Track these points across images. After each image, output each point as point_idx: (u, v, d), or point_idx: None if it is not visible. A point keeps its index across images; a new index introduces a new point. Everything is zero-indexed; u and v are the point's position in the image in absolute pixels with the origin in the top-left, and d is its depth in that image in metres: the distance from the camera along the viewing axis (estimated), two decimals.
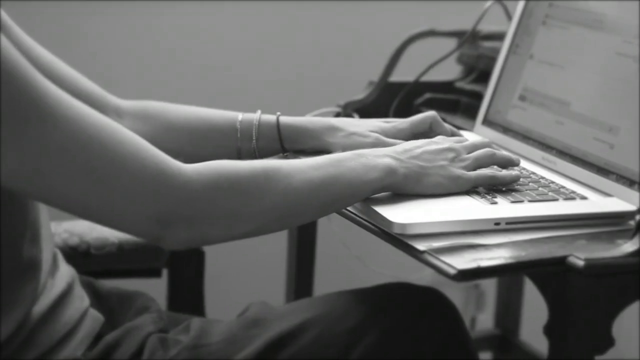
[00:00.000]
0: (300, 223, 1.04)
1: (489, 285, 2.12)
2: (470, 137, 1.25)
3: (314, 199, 0.98)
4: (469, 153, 1.09)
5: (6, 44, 0.82)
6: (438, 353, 1.05)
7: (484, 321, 2.14)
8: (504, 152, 1.14)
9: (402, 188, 1.04)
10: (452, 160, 1.07)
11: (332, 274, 1.80)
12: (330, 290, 1.17)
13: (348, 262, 1.70)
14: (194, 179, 0.90)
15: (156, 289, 1.32)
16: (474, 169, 1.08)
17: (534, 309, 1.96)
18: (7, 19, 1.04)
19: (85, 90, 1.13)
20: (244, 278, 2.05)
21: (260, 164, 0.96)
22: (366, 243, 1.53)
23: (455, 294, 1.58)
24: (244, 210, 0.93)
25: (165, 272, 1.40)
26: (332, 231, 1.50)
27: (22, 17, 1.13)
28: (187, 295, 1.41)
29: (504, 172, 1.10)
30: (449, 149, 1.08)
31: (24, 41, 1.08)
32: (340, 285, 1.31)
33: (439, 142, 1.09)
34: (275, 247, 1.70)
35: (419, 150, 1.06)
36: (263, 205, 0.94)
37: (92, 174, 0.85)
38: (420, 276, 1.94)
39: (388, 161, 1.02)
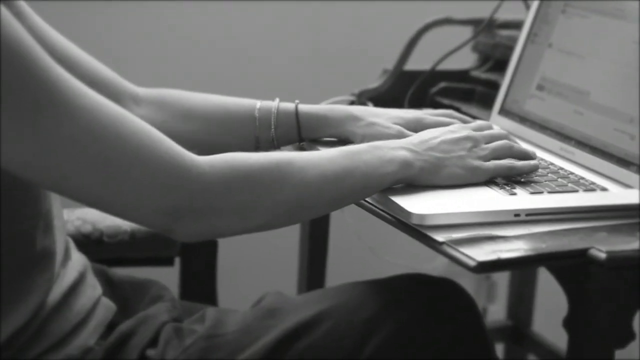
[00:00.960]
0: (313, 217, 1.04)
1: (500, 276, 2.11)
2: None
3: (328, 193, 0.97)
4: (486, 143, 1.08)
5: (21, 31, 0.81)
6: (455, 345, 1.04)
7: (495, 312, 2.13)
8: (521, 146, 1.12)
9: (418, 180, 1.03)
10: (470, 149, 1.06)
11: (345, 265, 1.79)
12: (343, 281, 1.16)
13: (360, 253, 1.69)
14: (207, 171, 0.89)
15: (168, 277, 1.31)
16: (491, 160, 1.07)
17: (547, 299, 1.96)
18: (24, 4, 1.03)
19: (101, 76, 1.12)
20: (256, 268, 2.05)
21: (274, 157, 0.95)
22: (378, 233, 1.52)
23: (466, 284, 1.58)
24: (256, 204, 0.92)
25: (177, 261, 1.39)
26: (345, 222, 1.49)
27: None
28: (199, 284, 1.40)
29: (522, 162, 1.09)
30: (467, 138, 1.07)
31: (40, 27, 1.07)
32: (352, 276, 1.30)
33: (456, 131, 1.08)
34: (288, 237, 1.68)
35: (436, 141, 1.05)
36: (276, 199, 0.93)
37: (105, 165, 0.85)
38: (433, 266, 1.93)
39: (404, 154, 1.01)
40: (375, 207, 1.04)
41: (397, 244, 1.63)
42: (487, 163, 1.06)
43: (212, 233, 0.94)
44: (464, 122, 1.19)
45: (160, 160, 0.87)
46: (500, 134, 1.11)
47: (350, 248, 1.69)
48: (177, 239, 0.92)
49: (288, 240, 1.69)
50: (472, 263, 0.91)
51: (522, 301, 1.89)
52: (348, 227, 1.51)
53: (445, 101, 1.51)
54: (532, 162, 1.09)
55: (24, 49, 0.80)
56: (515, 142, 1.12)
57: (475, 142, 1.07)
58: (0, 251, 0.92)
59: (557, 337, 1.83)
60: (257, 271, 2.04)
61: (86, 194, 0.86)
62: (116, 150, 0.85)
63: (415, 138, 1.06)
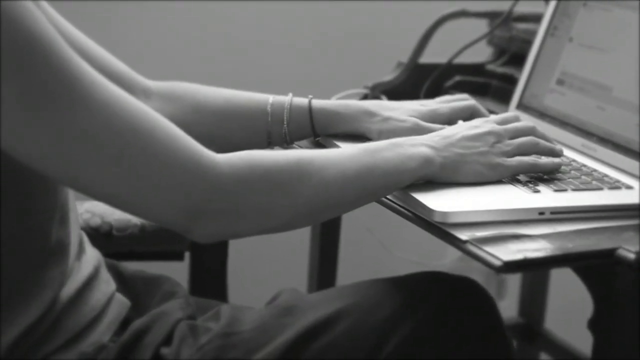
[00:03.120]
0: (333, 216, 1.02)
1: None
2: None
3: (348, 191, 0.95)
4: (511, 138, 1.06)
5: (43, 22, 0.79)
6: (474, 344, 1.02)
7: (505, 309, 2.10)
8: (547, 143, 1.09)
9: (439, 177, 1.01)
10: (492, 145, 1.04)
11: (356, 261, 1.77)
12: (354, 276, 1.14)
13: (372, 249, 1.68)
14: (225, 171, 0.87)
15: (177, 272, 1.29)
16: (515, 156, 1.05)
17: (559, 297, 1.94)
18: None
19: (113, 69, 1.10)
20: (267, 263, 2.03)
21: (294, 156, 0.93)
22: (390, 229, 1.50)
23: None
24: (275, 205, 0.91)
25: (187, 256, 1.37)
26: (356, 217, 1.47)
27: None
28: (210, 279, 1.38)
29: (546, 160, 1.06)
30: (489, 133, 1.05)
31: (56, 19, 1.05)
32: (364, 272, 1.28)
33: (479, 126, 1.06)
34: (298, 232, 1.66)
35: (457, 137, 1.03)
36: (296, 200, 0.92)
37: (123, 161, 0.83)
38: (442, 263, 1.92)
39: (424, 150, 0.99)
40: (395, 203, 1.02)
41: (408, 240, 1.62)
42: (510, 160, 1.04)
43: (230, 233, 0.92)
44: (481, 112, 1.17)
45: (178, 158, 0.85)
46: (526, 128, 1.08)
47: (362, 244, 1.67)
48: (194, 240, 0.90)
49: (299, 235, 1.66)
50: (497, 263, 0.88)
51: (534, 298, 1.87)
52: (359, 222, 1.49)
53: (459, 94, 1.49)
54: (555, 160, 1.07)
55: (46, 40, 0.79)
56: (542, 136, 1.10)
57: (498, 137, 1.05)
58: (16, 243, 0.90)
59: (569, 335, 1.81)
60: (267, 266, 2.02)
61: (101, 189, 0.85)
62: (133, 146, 0.83)
63: (436, 134, 1.04)
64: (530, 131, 1.08)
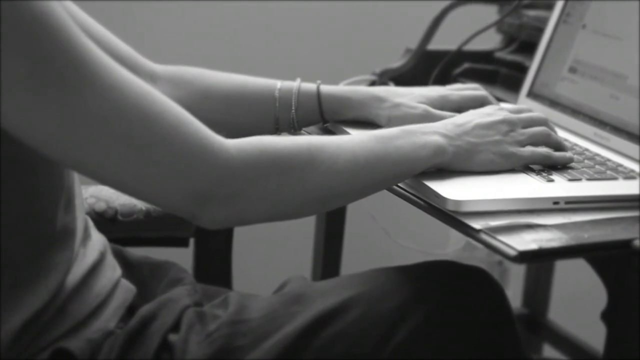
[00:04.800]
0: (343, 204, 1.01)
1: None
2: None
3: (360, 179, 0.94)
4: (524, 127, 1.05)
5: (53, 2, 0.78)
6: (484, 334, 1.01)
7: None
8: (559, 136, 1.09)
9: (452, 166, 1.00)
10: (506, 134, 1.03)
11: (361, 248, 1.76)
12: (358, 264, 1.13)
13: (376, 237, 1.66)
14: (235, 156, 0.86)
15: (182, 258, 1.28)
16: (528, 146, 1.04)
17: (564, 287, 1.93)
18: None
19: (119, 52, 1.09)
20: (271, 250, 2.02)
21: (304, 142, 0.91)
22: (394, 217, 1.49)
23: None
24: (285, 191, 0.89)
25: (192, 242, 1.36)
26: (361, 204, 1.46)
27: None
28: (214, 266, 1.37)
29: (559, 154, 1.06)
30: (503, 122, 1.03)
31: (64, 1, 1.03)
32: (368, 260, 1.27)
33: (492, 114, 1.04)
34: (303, 220, 1.65)
35: (470, 125, 1.02)
36: (306, 187, 0.90)
37: (131, 145, 0.81)
38: (445, 252, 1.90)
39: (437, 139, 0.98)
40: (407, 192, 1.00)
41: (412, 229, 1.61)
42: (523, 149, 1.03)
43: (239, 220, 0.91)
44: (489, 100, 1.16)
45: (187, 142, 0.84)
46: (539, 119, 1.07)
47: (365, 232, 1.66)
48: (203, 226, 0.89)
49: (303, 222, 1.65)
50: (512, 252, 0.87)
51: (538, 289, 1.86)
52: (364, 210, 1.48)
53: (469, 82, 1.47)
54: (567, 154, 1.06)
55: (54, 21, 0.77)
56: (554, 129, 1.09)
57: (511, 125, 1.04)
58: (22, 228, 0.89)
59: (573, 326, 1.81)
60: (271, 254, 2.01)
61: (108, 173, 0.83)
62: (142, 130, 0.82)
63: (449, 122, 1.03)
64: (542, 122, 1.07)
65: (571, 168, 1.05)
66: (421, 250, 1.71)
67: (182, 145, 0.84)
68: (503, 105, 1.13)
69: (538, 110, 1.26)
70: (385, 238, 1.65)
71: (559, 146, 1.07)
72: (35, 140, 0.80)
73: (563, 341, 1.79)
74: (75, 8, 1.07)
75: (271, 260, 1.95)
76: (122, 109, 0.81)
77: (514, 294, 2.02)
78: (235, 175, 0.86)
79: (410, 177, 0.99)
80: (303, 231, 1.68)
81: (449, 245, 1.97)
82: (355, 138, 0.96)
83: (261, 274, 1.44)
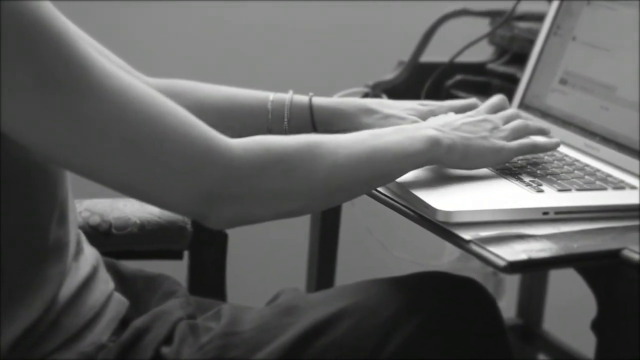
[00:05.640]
0: (346, 199, 1.01)
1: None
2: None
3: (360, 174, 0.95)
4: (504, 124, 1.08)
5: (55, 11, 0.79)
6: (476, 345, 1.01)
7: (503, 309, 2.09)
8: (535, 122, 1.13)
9: (447, 159, 1.02)
10: (491, 130, 1.05)
11: (355, 260, 1.76)
12: (353, 276, 1.13)
13: (370, 248, 1.67)
14: (241, 155, 0.87)
15: (176, 271, 1.28)
16: (512, 140, 1.07)
17: (558, 297, 1.93)
18: None
19: (113, 64, 1.09)
20: (265, 262, 2.02)
21: (304, 140, 0.93)
22: (388, 228, 1.50)
23: None
24: (291, 188, 0.91)
25: (186, 255, 1.36)
26: (355, 216, 1.47)
27: None
28: (208, 278, 1.37)
29: (545, 140, 1.09)
30: (486, 120, 1.07)
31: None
32: (363, 271, 1.27)
33: (474, 115, 1.08)
34: (297, 231, 1.66)
35: (458, 123, 1.04)
36: (310, 183, 0.92)
37: (136, 148, 0.82)
38: (440, 263, 1.91)
39: (432, 132, 1.00)
40: (398, 202, 1.01)
41: (407, 240, 1.61)
42: (511, 143, 1.06)
43: (248, 218, 0.91)
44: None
45: (192, 144, 0.85)
46: (513, 113, 1.11)
47: (360, 243, 1.66)
48: (211, 226, 0.89)
49: (298, 234, 1.66)
50: (502, 263, 0.87)
51: (532, 299, 1.86)
52: (358, 222, 1.49)
53: (461, 94, 1.48)
54: (553, 140, 1.10)
55: (56, 29, 0.79)
56: (528, 119, 1.13)
57: (494, 124, 1.07)
58: (15, 241, 0.89)
59: (568, 336, 1.81)
60: (266, 266, 2.01)
61: (116, 178, 0.84)
62: (147, 133, 0.83)
63: (438, 120, 1.06)
64: (517, 116, 1.11)
65: (561, 178, 1.05)
66: (416, 261, 1.72)
67: (188, 146, 0.85)
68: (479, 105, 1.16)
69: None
70: (379, 248, 1.65)
71: (540, 132, 1.10)
72: (41, 146, 0.81)
73: (557, 351, 1.79)
74: (73, 25, 1.08)
75: (266, 271, 1.95)
76: (126, 112, 0.82)
77: (509, 304, 2.02)
78: (242, 174, 0.87)
79: (410, 171, 1.00)
80: (298, 243, 1.69)
81: (444, 256, 1.97)
82: (352, 135, 0.98)
83: (256, 286, 1.44)
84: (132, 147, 0.82)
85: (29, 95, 0.78)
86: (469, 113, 1.09)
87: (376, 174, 0.97)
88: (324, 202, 0.97)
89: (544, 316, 1.89)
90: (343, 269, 1.57)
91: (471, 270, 1.99)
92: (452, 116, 1.08)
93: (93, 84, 0.80)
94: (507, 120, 1.09)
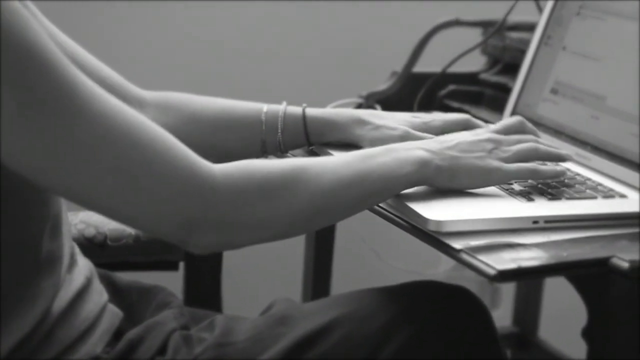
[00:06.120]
0: (332, 222, 1.02)
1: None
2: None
3: (345, 198, 0.95)
4: (510, 145, 1.04)
5: (39, 32, 0.80)
6: (468, 353, 1.02)
7: (499, 318, 2.10)
8: (551, 148, 1.07)
9: (436, 181, 1.00)
10: (490, 151, 1.02)
11: (350, 270, 1.77)
12: (348, 285, 1.14)
13: (366, 258, 1.67)
14: (222, 182, 0.87)
15: (172, 282, 1.29)
16: (515, 162, 1.03)
17: (554, 305, 1.94)
18: (34, 7, 1.01)
19: (107, 79, 1.10)
20: (261, 272, 2.03)
21: (288, 165, 0.93)
22: (384, 238, 1.50)
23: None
24: (273, 214, 0.90)
25: (182, 266, 1.37)
26: (351, 226, 1.47)
27: None
28: (204, 289, 1.37)
29: (547, 167, 1.04)
30: (488, 140, 1.03)
31: (52, 31, 1.05)
32: (358, 281, 1.27)
33: (478, 134, 1.05)
34: (293, 241, 1.66)
35: (453, 142, 1.02)
36: (293, 208, 0.92)
37: (120, 173, 0.83)
38: (436, 272, 1.91)
39: (420, 153, 0.99)
40: (390, 212, 1.01)
41: (402, 249, 1.62)
42: (508, 165, 1.02)
43: (228, 244, 0.92)
44: (475, 125, 1.16)
45: (175, 170, 0.85)
46: (525, 137, 1.06)
47: (356, 253, 1.67)
48: (192, 251, 0.90)
49: (293, 244, 1.66)
50: (492, 272, 0.88)
51: (528, 307, 1.87)
52: (354, 231, 1.49)
53: (454, 104, 1.49)
54: (558, 168, 1.06)
55: (43, 52, 0.79)
56: (545, 144, 1.07)
57: (497, 144, 1.03)
58: (7, 255, 0.90)
59: (563, 344, 1.81)
60: (261, 276, 2.02)
61: (97, 201, 0.85)
62: (130, 158, 0.83)
63: (433, 139, 1.04)
64: (531, 140, 1.06)
65: (552, 187, 1.06)
66: (412, 270, 1.72)
67: (170, 173, 0.85)
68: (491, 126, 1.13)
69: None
70: (375, 258, 1.66)
71: (551, 158, 1.06)
72: (26, 168, 0.81)
73: (553, 359, 1.80)
74: (65, 38, 1.08)
75: (261, 282, 1.96)
76: (110, 136, 0.82)
77: (504, 312, 2.03)
78: (223, 201, 0.87)
79: (397, 193, 0.99)
80: (293, 253, 1.69)
81: (440, 265, 1.98)
82: (338, 158, 0.97)
83: (252, 296, 1.45)
84: (116, 171, 0.83)
85: (13, 118, 0.78)
86: (476, 131, 1.07)
87: (362, 198, 0.96)
88: (307, 227, 0.97)
89: (540, 324, 1.89)
90: (339, 278, 1.57)
91: (467, 279, 1.99)
92: (450, 135, 1.05)
93: (78, 108, 0.80)
94: (517, 142, 1.05)
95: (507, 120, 1.10)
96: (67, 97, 0.80)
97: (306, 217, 0.93)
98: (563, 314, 1.96)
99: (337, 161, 0.96)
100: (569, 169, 1.15)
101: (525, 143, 1.05)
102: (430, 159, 0.99)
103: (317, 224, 0.99)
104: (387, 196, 0.99)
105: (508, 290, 2.02)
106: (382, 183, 0.97)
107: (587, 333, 0.96)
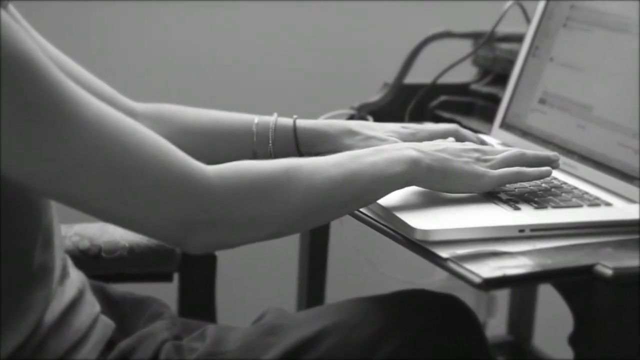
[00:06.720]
0: (324, 222, 1.03)
1: (500, 290, 2.10)
2: (487, 140, 1.23)
3: (337, 197, 0.96)
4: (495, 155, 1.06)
5: (30, 43, 0.81)
6: None
7: (495, 326, 2.11)
8: (537, 152, 1.09)
9: (427, 181, 1.01)
10: (477, 159, 1.04)
11: (345, 279, 1.78)
12: (343, 295, 1.15)
13: (360, 267, 1.68)
14: (216, 182, 0.89)
15: (167, 293, 1.30)
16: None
17: (548, 314, 1.95)
18: (21, 18, 1.02)
19: (98, 92, 1.11)
20: (256, 282, 2.03)
21: (282, 164, 0.94)
22: (378, 247, 1.51)
23: (465, 299, 1.58)
24: (267, 213, 0.92)
25: (176, 277, 1.38)
26: (344, 235, 1.48)
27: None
28: (198, 300, 1.38)
29: (531, 169, 1.06)
30: (474, 150, 1.06)
31: (40, 41, 1.06)
32: (352, 290, 1.28)
33: (464, 144, 1.07)
34: (287, 250, 1.68)
35: (442, 146, 1.04)
36: (286, 207, 0.93)
37: (114, 177, 0.84)
38: (432, 281, 1.92)
39: (412, 153, 1.00)
40: (378, 222, 1.03)
41: (397, 258, 1.63)
42: (494, 170, 1.04)
43: (224, 244, 0.93)
44: (469, 137, 1.18)
45: (169, 171, 0.87)
46: (509, 149, 1.08)
47: (350, 262, 1.68)
48: (189, 251, 0.91)
49: (287, 253, 1.68)
50: (477, 280, 0.89)
51: (522, 315, 1.87)
52: (348, 240, 1.50)
53: (446, 115, 1.50)
54: (542, 168, 1.07)
55: (33, 61, 0.80)
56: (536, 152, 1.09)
57: (482, 153, 1.06)
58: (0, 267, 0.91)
59: (558, 351, 1.82)
60: (256, 286, 2.02)
61: (94, 206, 0.86)
62: (124, 162, 0.84)
63: (421, 142, 1.05)
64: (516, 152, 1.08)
65: (538, 196, 1.07)
66: (407, 279, 1.73)
67: (164, 175, 0.86)
68: (488, 138, 1.13)
69: (510, 140, 1.30)
70: (370, 267, 1.67)
71: (537, 162, 1.07)
72: (20, 175, 0.82)
73: None
74: (55, 51, 1.10)
75: (256, 292, 1.96)
76: (104, 142, 0.83)
77: (500, 321, 2.04)
78: (217, 201, 0.89)
79: (389, 192, 1.00)
80: (287, 262, 1.70)
81: (435, 274, 1.99)
82: (330, 158, 0.98)
83: (246, 306, 1.46)
84: (110, 175, 0.84)
85: (5, 126, 0.79)
86: (464, 142, 1.08)
87: (354, 197, 0.97)
88: (300, 226, 0.98)
89: (534, 332, 1.90)
90: (333, 288, 1.58)
91: (463, 288, 2.00)
92: (438, 141, 1.07)
93: (70, 114, 0.82)
94: (501, 152, 1.07)
95: (493, 146, 1.11)
96: (57, 104, 0.81)
97: (300, 216, 0.94)
98: (557, 322, 1.96)
99: (329, 161, 0.97)
100: (556, 178, 1.16)
101: (511, 150, 1.07)
102: (421, 159, 1.00)
103: (310, 223, 1.00)
104: (379, 195, 1.00)
105: (502, 299, 2.03)
106: (374, 182, 0.98)
107: (574, 340, 0.97)
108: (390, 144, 1.13)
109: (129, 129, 0.86)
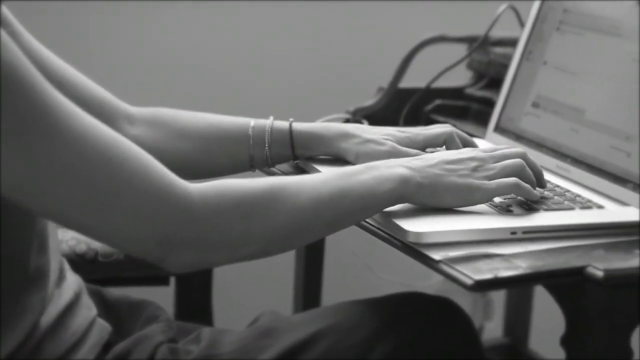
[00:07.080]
0: (309, 241, 1.01)
1: (497, 293, 2.10)
2: (481, 144, 1.24)
3: (323, 216, 0.95)
4: (496, 162, 1.03)
5: (17, 53, 0.80)
6: None
7: (492, 330, 2.12)
8: (537, 168, 1.07)
9: (417, 199, 1.00)
10: (474, 169, 1.02)
11: (341, 282, 1.78)
12: (339, 298, 1.15)
13: (356, 270, 1.69)
14: (197, 201, 0.87)
15: (163, 296, 1.30)
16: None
17: (544, 316, 1.95)
18: (16, 23, 1.02)
19: (96, 97, 1.11)
20: (252, 285, 2.04)
21: (266, 183, 0.93)
22: (374, 250, 1.52)
23: (462, 302, 1.59)
24: (248, 234, 0.91)
25: (172, 280, 1.39)
26: (340, 239, 1.48)
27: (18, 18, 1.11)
28: (195, 303, 1.39)
29: (527, 188, 1.03)
30: (472, 158, 1.02)
31: (34, 47, 1.06)
32: (348, 293, 1.29)
33: (462, 152, 1.04)
34: (284, 254, 1.68)
35: (435, 160, 1.01)
36: (269, 227, 0.92)
37: (96, 192, 0.83)
38: (429, 284, 1.93)
39: (401, 171, 0.99)
40: (372, 225, 1.03)
41: (393, 261, 1.63)
42: (489, 182, 1.01)
43: (205, 263, 0.93)
44: (463, 139, 1.17)
45: (152, 189, 0.85)
46: (514, 153, 1.05)
47: (346, 265, 1.69)
48: (169, 270, 0.91)
49: (284, 257, 1.68)
50: (469, 281, 0.90)
51: (518, 318, 1.88)
52: (344, 244, 1.51)
53: (440, 119, 1.51)
54: (536, 193, 1.05)
55: (20, 72, 0.79)
56: (532, 164, 1.06)
57: (481, 161, 1.03)
58: None
59: (554, 354, 1.82)
60: (252, 289, 2.03)
61: (75, 221, 0.85)
62: (106, 177, 0.83)
63: (414, 157, 1.03)
64: (519, 155, 1.05)
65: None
66: (404, 282, 1.74)
67: (146, 191, 0.85)
68: (482, 142, 1.12)
69: (504, 144, 1.30)
70: (367, 270, 1.68)
71: (532, 183, 1.05)
72: (4, 187, 0.81)
73: None
74: (50, 55, 1.09)
75: (252, 295, 1.97)
76: (86, 156, 0.82)
77: (498, 325, 2.04)
78: (198, 220, 0.87)
79: (379, 211, 0.99)
80: (284, 266, 1.71)
81: (432, 277, 1.99)
82: (317, 176, 0.98)
83: (242, 310, 1.46)
84: (92, 190, 0.83)
85: None
86: (461, 150, 1.05)
87: (340, 216, 0.96)
88: (284, 245, 0.96)
89: (530, 335, 1.91)
90: (330, 291, 1.59)
91: (460, 291, 2.01)
92: (434, 153, 1.05)
93: (54, 128, 0.80)
94: (504, 158, 1.03)
95: (499, 147, 1.08)
96: (41, 116, 0.80)
97: (283, 236, 0.93)
98: (553, 325, 1.97)
99: (316, 179, 0.96)
100: (549, 181, 1.17)
101: (511, 160, 1.04)
102: (410, 177, 0.98)
103: (295, 243, 0.99)
104: (367, 215, 1.00)
105: (498, 301, 2.03)
106: (362, 201, 0.96)
107: (565, 341, 0.98)
108: (388, 147, 1.13)
109: (113, 143, 0.84)
